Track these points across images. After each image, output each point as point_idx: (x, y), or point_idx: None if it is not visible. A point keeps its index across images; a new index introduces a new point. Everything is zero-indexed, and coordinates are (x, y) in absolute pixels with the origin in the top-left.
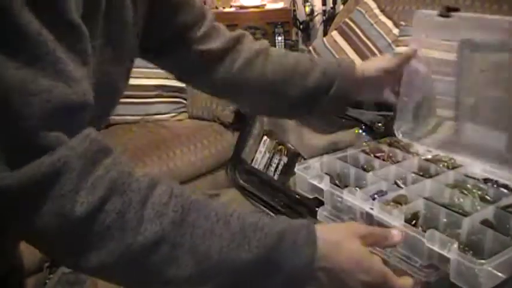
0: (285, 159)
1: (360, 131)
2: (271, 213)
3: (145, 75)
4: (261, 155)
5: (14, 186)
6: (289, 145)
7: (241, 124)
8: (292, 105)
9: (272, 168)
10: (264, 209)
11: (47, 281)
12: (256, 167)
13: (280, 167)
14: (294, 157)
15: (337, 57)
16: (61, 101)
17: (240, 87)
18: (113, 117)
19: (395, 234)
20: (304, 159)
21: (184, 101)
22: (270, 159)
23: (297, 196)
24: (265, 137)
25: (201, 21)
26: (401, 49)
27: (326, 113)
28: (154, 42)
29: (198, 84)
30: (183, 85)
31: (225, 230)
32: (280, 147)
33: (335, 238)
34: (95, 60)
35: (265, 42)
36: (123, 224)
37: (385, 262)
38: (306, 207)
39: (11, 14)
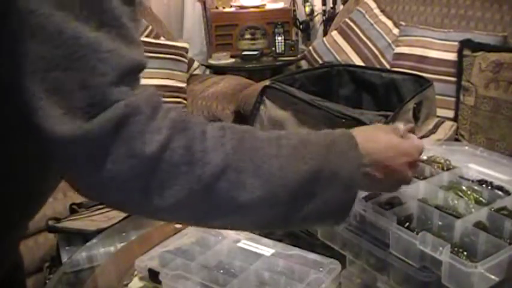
0: None
1: None
2: None
3: (145, 75)
4: None
5: (93, 131)
6: None
7: (241, 124)
8: None
9: None
10: None
11: (47, 281)
12: None
13: None
14: None
15: (339, 57)
16: (130, 59)
17: None
18: None
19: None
20: None
21: (185, 101)
22: None
23: None
24: None
25: None
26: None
27: None
28: None
29: None
30: (183, 85)
31: (280, 150)
32: None
33: (371, 135)
34: None
35: None
36: (190, 158)
37: None
38: None
39: None
